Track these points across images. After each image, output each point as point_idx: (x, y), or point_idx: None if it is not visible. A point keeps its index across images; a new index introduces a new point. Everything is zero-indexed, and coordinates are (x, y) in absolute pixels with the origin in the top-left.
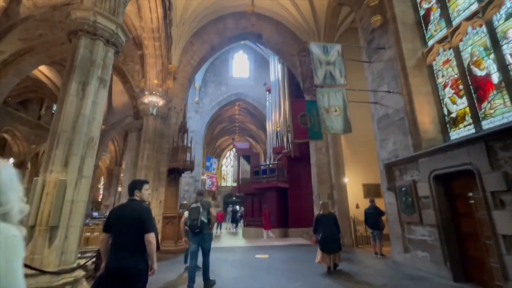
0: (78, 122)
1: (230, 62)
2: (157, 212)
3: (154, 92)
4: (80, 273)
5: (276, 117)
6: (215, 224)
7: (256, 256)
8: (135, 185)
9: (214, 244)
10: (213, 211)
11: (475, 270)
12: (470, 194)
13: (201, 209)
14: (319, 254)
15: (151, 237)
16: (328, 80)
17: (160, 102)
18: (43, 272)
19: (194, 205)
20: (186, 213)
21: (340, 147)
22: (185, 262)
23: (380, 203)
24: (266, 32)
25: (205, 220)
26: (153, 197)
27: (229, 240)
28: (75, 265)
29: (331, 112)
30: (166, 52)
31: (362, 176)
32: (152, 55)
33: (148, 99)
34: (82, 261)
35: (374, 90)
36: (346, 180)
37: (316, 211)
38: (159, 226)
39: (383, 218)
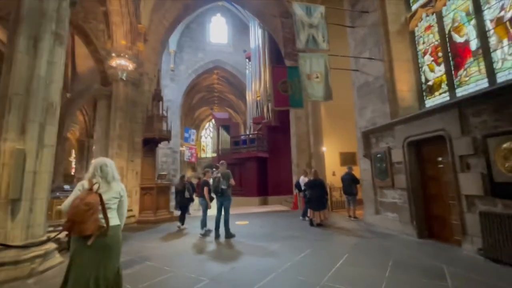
0: (32, 84)
1: (208, 26)
2: (133, 184)
3: (122, 55)
4: (51, 246)
5: (256, 86)
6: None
7: (236, 223)
8: None
9: (195, 213)
10: (232, 181)
11: (437, 227)
12: (440, 159)
13: (221, 179)
14: (310, 212)
15: None
16: (311, 45)
17: (130, 65)
18: (7, 246)
19: (216, 175)
20: (210, 181)
21: (320, 116)
22: (202, 227)
23: (356, 171)
24: None
25: (224, 187)
26: (129, 168)
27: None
28: (44, 238)
29: (313, 79)
30: (134, 10)
31: (339, 145)
32: (117, 12)
33: (116, 62)
34: (53, 234)
35: (356, 57)
36: (324, 149)
37: (295, 179)
38: (136, 197)
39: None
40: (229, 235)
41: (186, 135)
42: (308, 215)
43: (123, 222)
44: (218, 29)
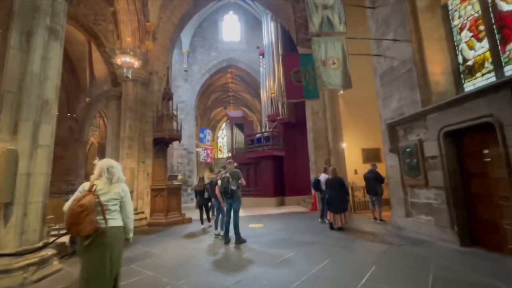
0: (25, 81)
1: (220, 24)
2: (145, 185)
3: (128, 51)
4: (48, 252)
5: (271, 83)
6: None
7: (250, 226)
8: None
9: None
10: (243, 180)
11: (485, 233)
12: (486, 151)
13: (230, 179)
14: (330, 215)
15: None
16: (326, 27)
17: (136, 63)
18: None
19: (224, 175)
20: (219, 182)
21: (338, 110)
22: (216, 228)
23: (380, 169)
24: None
25: (234, 188)
26: (140, 170)
27: None
28: (40, 244)
29: (329, 65)
30: (142, 8)
31: (361, 141)
32: (125, 10)
33: (121, 59)
34: (52, 240)
35: (379, 39)
36: (344, 145)
37: (313, 178)
38: (147, 199)
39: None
40: (239, 240)
41: (201, 135)
42: (328, 217)
43: (130, 224)
44: (230, 27)
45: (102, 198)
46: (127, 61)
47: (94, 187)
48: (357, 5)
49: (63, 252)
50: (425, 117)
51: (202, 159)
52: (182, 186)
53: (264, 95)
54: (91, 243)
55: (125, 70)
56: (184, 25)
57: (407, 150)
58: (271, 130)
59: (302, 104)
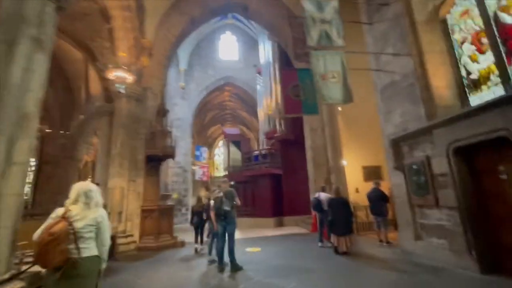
0: (1, 92)
1: (217, 44)
2: (135, 206)
3: (121, 66)
4: (15, 285)
5: (268, 101)
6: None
7: (247, 250)
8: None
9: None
10: (238, 200)
11: (508, 259)
12: (501, 168)
13: (223, 199)
14: (334, 237)
15: None
16: (324, 41)
17: (129, 78)
18: None
19: (217, 195)
20: (212, 202)
21: (337, 127)
22: (209, 253)
23: (383, 187)
24: (253, 2)
25: (228, 209)
26: (130, 189)
27: None
28: (6, 276)
29: (328, 79)
30: (139, 25)
31: (362, 158)
32: (121, 27)
33: (114, 74)
34: (22, 270)
35: (380, 53)
36: (344, 163)
37: (312, 197)
38: (137, 220)
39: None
40: (235, 267)
41: (197, 153)
42: (331, 241)
43: (105, 253)
44: (227, 46)
45: (77, 225)
46: (120, 75)
47: (69, 213)
48: (354, 22)
49: (35, 284)
50: (430, 132)
51: (198, 177)
52: (177, 206)
53: (261, 113)
54: (61, 276)
55: (116, 85)
56: (181, 42)
57: (414, 167)
58: (268, 147)
59: (300, 122)
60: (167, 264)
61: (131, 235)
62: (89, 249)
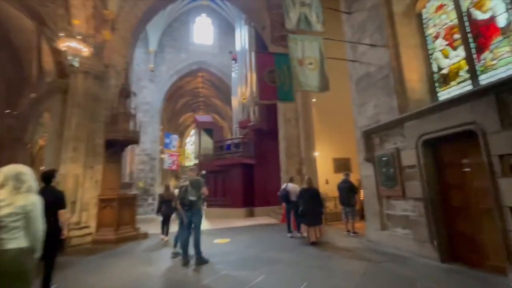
0: None
1: (191, 26)
2: (92, 194)
3: (75, 36)
4: None
5: (243, 89)
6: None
7: (215, 242)
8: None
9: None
10: (205, 190)
11: (465, 248)
12: (465, 161)
13: (189, 188)
14: (304, 228)
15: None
16: (303, 25)
17: (85, 50)
18: None
19: (182, 184)
20: (176, 191)
21: (311, 118)
22: (175, 246)
23: (351, 179)
24: None
25: (194, 198)
26: (86, 176)
27: None
28: None
29: (305, 65)
30: None
31: (333, 150)
32: None
33: (66, 44)
34: None
35: (357, 42)
36: (316, 154)
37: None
38: (94, 210)
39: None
40: (201, 260)
41: (167, 140)
42: (301, 231)
43: (37, 244)
44: (202, 30)
45: (0, 212)
46: (73, 46)
47: None
48: (333, 9)
49: None
50: (402, 125)
51: (167, 166)
52: (142, 195)
53: (235, 102)
54: None
55: (69, 57)
56: (150, 19)
57: (383, 159)
58: (241, 136)
59: (274, 111)
60: (125, 258)
61: (87, 227)
62: (15, 240)
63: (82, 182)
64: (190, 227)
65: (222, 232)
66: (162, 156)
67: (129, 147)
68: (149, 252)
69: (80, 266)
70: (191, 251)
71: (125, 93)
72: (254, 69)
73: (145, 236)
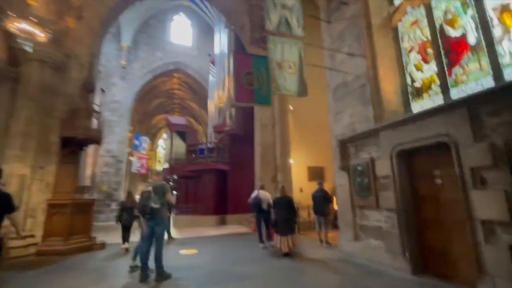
0: None
1: (169, 25)
2: (40, 198)
3: (29, 18)
4: None
5: (220, 93)
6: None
7: (181, 253)
8: None
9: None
10: (170, 196)
11: (435, 261)
12: (437, 172)
13: (152, 194)
14: (277, 238)
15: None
16: (283, 28)
17: (41, 35)
18: None
19: (145, 188)
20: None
21: (287, 124)
22: (134, 258)
23: (324, 187)
24: None
25: (157, 206)
26: (35, 178)
27: None
28: None
29: (285, 68)
30: None
31: (308, 158)
32: None
33: (16, 25)
34: None
35: (335, 50)
36: (291, 161)
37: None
38: (42, 217)
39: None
40: (162, 275)
41: (137, 142)
42: (274, 242)
43: None
44: (180, 30)
45: None
46: (26, 29)
47: None
48: (313, 16)
49: None
50: (377, 134)
51: (135, 169)
52: (105, 200)
53: (211, 106)
54: None
55: (19, 41)
56: (122, 10)
57: (358, 168)
58: (216, 141)
59: (251, 117)
60: (73, 272)
61: (31, 236)
62: None
63: (29, 185)
64: (152, 238)
65: (190, 242)
66: (131, 158)
67: (93, 147)
68: (103, 265)
69: (17, 284)
70: (152, 264)
71: (89, 87)
72: (232, 74)
73: (102, 246)
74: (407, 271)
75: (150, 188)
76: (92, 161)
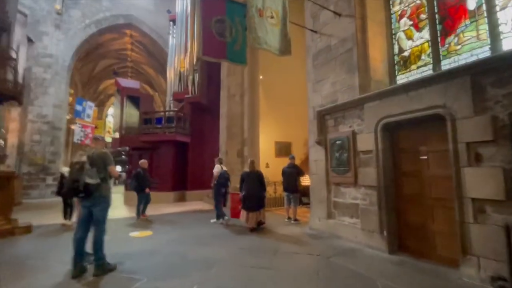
0: None
1: None
2: None
3: None
4: None
5: (181, 57)
6: None
7: (131, 235)
8: None
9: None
10: (114, 169)
11: (413, 238)
12: (423, 148)
13: (87, 166)
14: (243, 213)
15: None
16: None
17: None
18: None
19: (76, 159)
20: (64, 170)
21: (258, 96)
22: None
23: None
24: None
25: (93, 181)
26: None
27: None
28: None
29: (266, 17)
30: None
31: (275, 133)
32: None
33: None
34: None
35: (320, 5)
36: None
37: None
38: None
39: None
40: (102, 268)
41: (79, 108)
42: (242, 218)
43: None
44: None
45: None
46: None
47: None
48: None
49: None
50: (362, 106)
51: (78, 139)
52: (39, 173)
53: (171, 72)
54: None
55: None
56: None
57: (337, 142)
58: (176, 110)
59: (216, 84)
60: None
61: None
62: None
63: None
64: (87, 222)
65: (143, 222)
66: (72, 127)
67: (19, 110)
68: (25, 254)
69: None
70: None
71: (4, 26)
72: (195, 37)
73: (27, 230)
74: (383, 249)
75: (83, 158)
76: (18, 127)
